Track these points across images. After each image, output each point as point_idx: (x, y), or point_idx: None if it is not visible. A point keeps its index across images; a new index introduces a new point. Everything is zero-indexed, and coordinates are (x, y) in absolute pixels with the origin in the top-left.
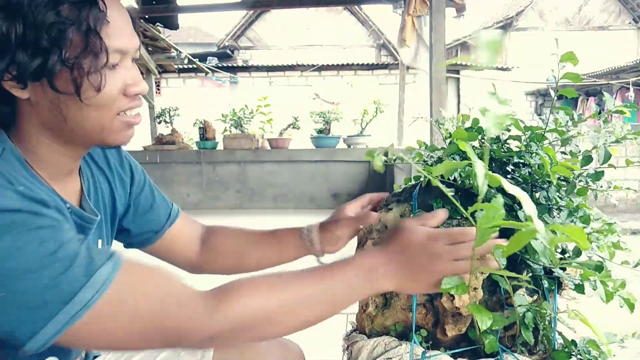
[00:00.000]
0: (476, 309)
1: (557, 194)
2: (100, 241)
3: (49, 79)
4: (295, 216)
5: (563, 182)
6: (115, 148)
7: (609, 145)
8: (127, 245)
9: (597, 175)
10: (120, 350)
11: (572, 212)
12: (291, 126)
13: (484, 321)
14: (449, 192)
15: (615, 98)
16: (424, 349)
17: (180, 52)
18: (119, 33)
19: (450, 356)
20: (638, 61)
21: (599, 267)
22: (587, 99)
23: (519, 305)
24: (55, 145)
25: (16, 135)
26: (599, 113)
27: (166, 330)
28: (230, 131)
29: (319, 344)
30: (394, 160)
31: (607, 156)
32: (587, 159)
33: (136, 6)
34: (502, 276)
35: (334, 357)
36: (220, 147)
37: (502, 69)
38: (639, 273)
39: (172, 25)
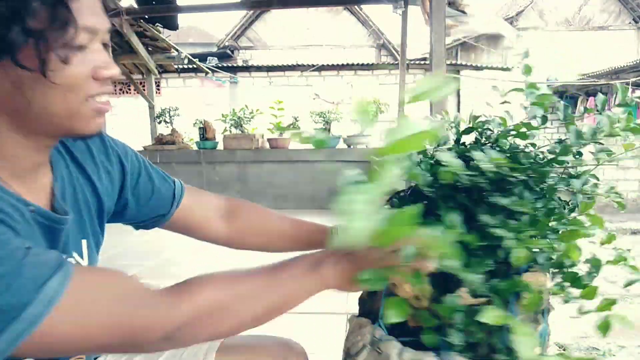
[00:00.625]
0: (389, 303)
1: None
2: (84, 242)
3: (11, 53)
4: (296, 216)
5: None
6: (85, 138)
7: (599, 139)
8: (138, 227)
9: (565, 151)
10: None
11: (535, 217)
12: (291, 126)
13: (390, 316)
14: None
15: (615, 98)
16: (384, 332)
17: (180, 52)
18: (88, 11)
19: (407, 343)
20: (638, 61)
21: (575, 279)
22: (587, 99)
23: (444, 305)
24: (16, 136)
25: None
26: (599, 112)
27: (124, 332)
28: (230, 131)
29: (322, 344)
30: None
31: (578, 134)
32: (564, 149)
33: (136, 6)
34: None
35: (335, 358)
36: (220, 147)
37: (502, 69)
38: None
39: (172, 25)
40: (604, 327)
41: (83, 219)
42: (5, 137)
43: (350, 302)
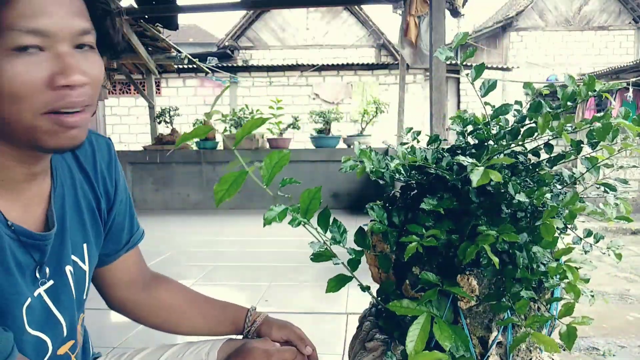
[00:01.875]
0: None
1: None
2: (85, 245)
3: None
4: None
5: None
6: (57, 152)
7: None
8: None
9: (555, 160)
10: None
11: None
12: (291, 126)
13: None
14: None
15: (614, 98)
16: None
17: (180, 52)
18: (37, 12)
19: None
20: (638, 61)
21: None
22: (587, 99)
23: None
24: (1, 147)
25: None
26: (599, 112)
27: None
28: (230, 131)
29: (323, 343)
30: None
31: (543, 126)
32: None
33: (136, 6)
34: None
35: (335, 358)
36: (220, 147)
37: (502, 69)
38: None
39: (172, 25)
40: (569, 337)
41: (85, 223)
42: None
43: (350, 302)
